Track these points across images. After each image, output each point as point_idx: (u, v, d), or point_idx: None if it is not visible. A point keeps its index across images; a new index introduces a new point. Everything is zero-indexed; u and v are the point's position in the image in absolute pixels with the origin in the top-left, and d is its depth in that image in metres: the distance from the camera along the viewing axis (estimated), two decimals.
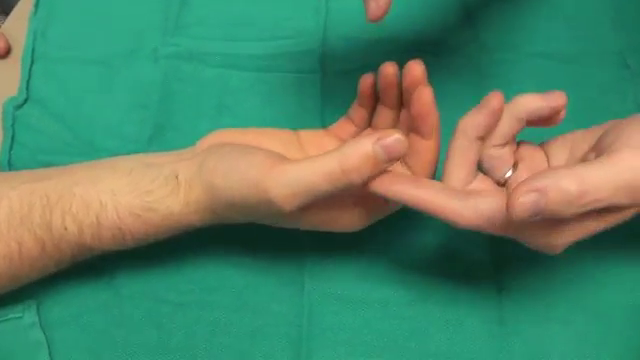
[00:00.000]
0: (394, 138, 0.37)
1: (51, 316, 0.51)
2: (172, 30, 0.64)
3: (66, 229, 0.45)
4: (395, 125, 0.48)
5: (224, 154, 0.43)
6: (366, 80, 0.48)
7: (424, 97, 0.42)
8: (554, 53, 0.61)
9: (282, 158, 0.41)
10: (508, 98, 0.41)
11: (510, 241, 0.50)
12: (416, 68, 0.43)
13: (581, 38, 0.62)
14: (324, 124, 0.57)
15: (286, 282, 0.51)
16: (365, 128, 0.50)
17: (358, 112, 0.50)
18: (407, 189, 0.39)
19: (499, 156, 0.43)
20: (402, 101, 0.47)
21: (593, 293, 0.50)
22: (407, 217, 0.53)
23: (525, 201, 0.34)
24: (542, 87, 0.42)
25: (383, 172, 0.40)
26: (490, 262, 0.51)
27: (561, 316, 0.50)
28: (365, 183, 0.39)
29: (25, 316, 0.51)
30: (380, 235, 0.52)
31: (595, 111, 0.57)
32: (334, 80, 0.60)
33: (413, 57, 0.44)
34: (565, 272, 0.51)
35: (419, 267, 0.52)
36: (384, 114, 0.48)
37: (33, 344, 0.50)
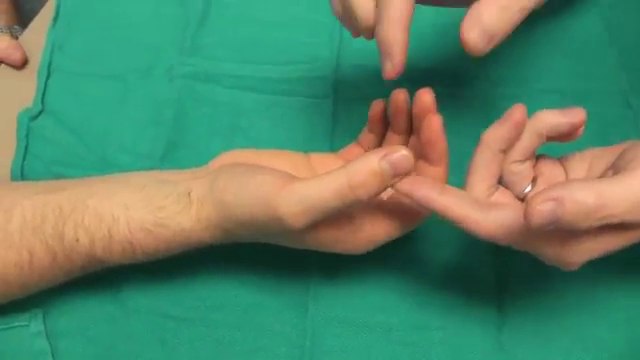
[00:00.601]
0: (400, 154, 0.38)
1: (57, 326, 0.51)
2: (189, 50, 0.65)
3: (77, 241, 0.45)
4: None
5: (236, 173, 0.44)
6: (376, 106, 0.49)
7: (434, 124, 0.42)
8: (560, 89, 0.62)
9: (292, 177, 0.41)
10: None
11: (514, 269, 0.51)
12: (426, 96, 0.43)
13: (585, 76, 0.63)
14: (333, 148, 0.58)
15: (290, 303, 0.52)
16: None
17: (368, 138, 0.51)
18: (433, 194, 0.40)
19: (519, 172, 0.44)
20: (412, 128, 0.48)
21: (591, 323, 0.51)
22: (411, 244, 0.54)
23: (542, 209, 0.35)
24: None
25: (411, 176, 0.40)
26: (494, 291, 0.52)
27: (561, 347, 0.50)
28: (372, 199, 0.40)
29: (31, 325, 0.51)
30: (384, 260, 0.53)
31: None
32: (345, 106, 0.61)
33: (423, 87, 0.44)
34: (565, 299, 0.52)
35: (422, 293, 0.52)
36: (393, 140, 0.49)
37: (38, 353, 0.50)
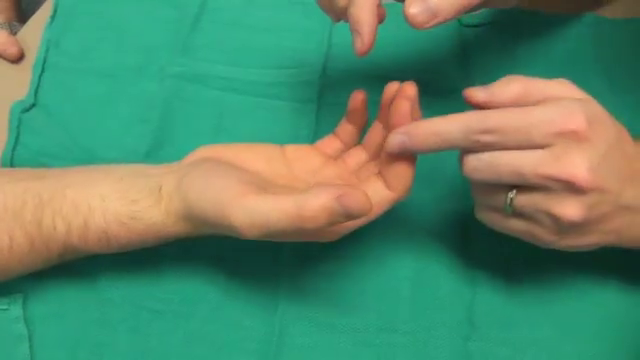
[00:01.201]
0: (356, 199, 0.37)
1: (35, 311, 0.53)
2: (180, 51, 0.66)
3: (55, 229, 0.47)
4: None
5: (203, 171, 0.45)
6: (357, 96, 0.49)
7: (402, 108, 0.43)
8: None
9: (253, 187, 0.41)
10: None
11: (484, 276, 0.52)
12: (410, 88, 0.44)
13: None
14: None
15: (261, 300, 0.53)
16: (352, 145, 0.51)
17: (345, 129, 0.51)
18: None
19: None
20: None
21: (559, 336, 0.51)
22: (380, 247, 0.55)
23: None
24: None
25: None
26: (464, 298, 0.53)
27: (528, 358, 0.51)
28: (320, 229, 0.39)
29: (11, 309, 0.52)
30: (354, 262, 0.54)
31: None
32: (329, 111, 0.62)
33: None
34: (535, 309, 0.52)
35: (390, 297, 0.53)
36: (377, 131, 0.49)
37: (16, 336, 0.51)
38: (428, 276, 0.54)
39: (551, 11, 0.67)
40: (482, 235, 0.54)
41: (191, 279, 0.54)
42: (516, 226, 0.43)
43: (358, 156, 0.50)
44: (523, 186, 0.40)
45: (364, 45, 0.43)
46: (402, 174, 0.44)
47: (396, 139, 0.42)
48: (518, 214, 0.42)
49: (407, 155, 0.43)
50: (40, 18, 0.71)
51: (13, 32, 0.72)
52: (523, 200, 0.41)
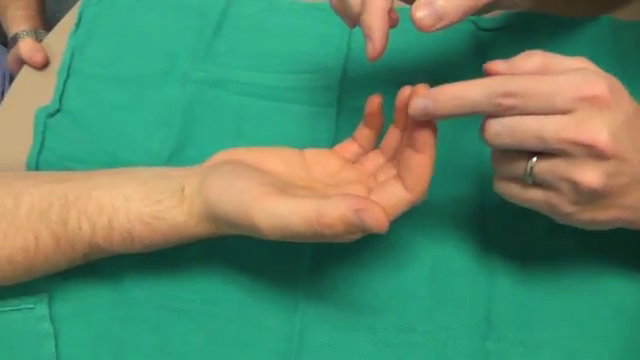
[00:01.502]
0: (374, 215, 0.38)
1: (61, 310, 0.54)
2: (202, 57, 0.67)
3: (80, 229, 0.48)
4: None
5: (224, 173, 0.46)
6: (374, 100, 0.50)
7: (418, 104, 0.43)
8: None
9: (274, 188, 0.42)
10: None
11: (503, 276, 0.52)
12: (423, 90, 0.44)
13: None
14: None
15: (282, 300, 0.53)
16: (370, 149, 0.52)
17: (363, 133, 0.52)
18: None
19: None
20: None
21: (579, 336, 0.52)
22: (399, 247, 0.55)
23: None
24: None
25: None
26: (482, 298, 0.53)
27: (546, 358, 0.51)
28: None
29: (37, 308, 0.54)
30: (373, 262, 0.55)
31: None
32: (348, 115, 0.62)
33: None
34: (554, 310, 0.52)
35: (409, 296, 0.53)
36: (394, 136, 0.50)
37: (42, 335, 0.53)
38: (445, 276, 0.54)
39: (565, 13, 0.67)
40: (499, 235, 0.55)
41: (213, 279, 0.55)
42: (535, 196, 0.43)
43: (376, 160, 0.50)
44: (544, 153, 0.41)
45: (375, 50, 0.44)
46: (420, 176, 0.44)
47: (419, 103, 0.42)
48: (538, 183, 0.42)
49: (429, 121, 0.43)
50: (65, 26, 0.73)
51: (38, 39, 0.74)
52: (544, 167, 0.41)
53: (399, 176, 0.45)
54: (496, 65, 0.43)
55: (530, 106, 0.39)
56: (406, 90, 0.47)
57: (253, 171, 0.46)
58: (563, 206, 0.42)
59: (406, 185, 0.45)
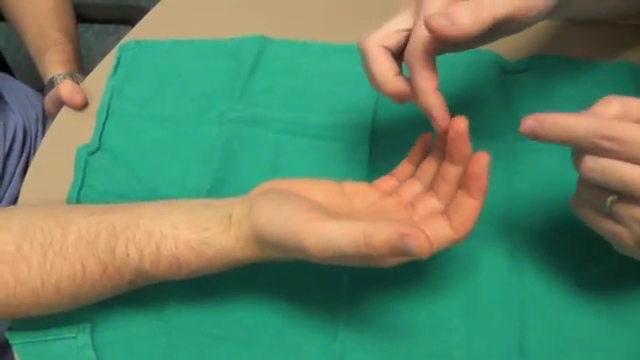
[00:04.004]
0: (418, 241, 0.39)
1: (103, 339, 0.55)
2: (238, 97, 0.70)
3: (128, 255, 0.49)
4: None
5: (271, 198, 0.48)
6: (427, 137, 0.52)
7: (482, 160, 0.45)
8: None
9: (322, 213, 0.44)
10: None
11: (536, 300, 0.53)
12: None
13: None
14: None
15: (321, 326, 0.55)
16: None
17: (405, 168, 0.53)
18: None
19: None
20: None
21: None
22: (434, 274, 0.57)
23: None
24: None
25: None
26: (516, 323, 0.54)
27: None
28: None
29: (79, 337, 0.55)
30: (410, 290, 0.56)
31: None
32: (380, 152, 0.64)
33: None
34: (589, 331, 0.53)
35: (444, 324, 0.55)
36: (431, 165, 0.51)
37: None
38: (480, 305, 0.55)
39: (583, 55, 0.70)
40: (533, 265, 0.56)
41: (253, 306, 0.56)
42: (606, 225, 0.45)
43: (412, 187, 0.51)
44: (626, 195, 0.43)
45: (441, 127, 0.48)
46: (468, 218, 0.46)
47: (528, 123, 0.44)
48: (612, 216, 0.45)
49: (485, 170, 0.45)
50: (102, 70, 0.76)
51: (75, 82, 0.76)
52: (622, 206, 0.43)
53: (447, 214, 0.47)
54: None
55: (625, 152, 0.41)
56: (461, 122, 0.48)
57: (298, 197, 0.47)
58: (628, 241, 0.44)
59: (452, 224, 0.46)
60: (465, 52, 0.69)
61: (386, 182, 0.54)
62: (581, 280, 0.55)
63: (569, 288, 0.55)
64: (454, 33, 0.44)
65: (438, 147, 0.50)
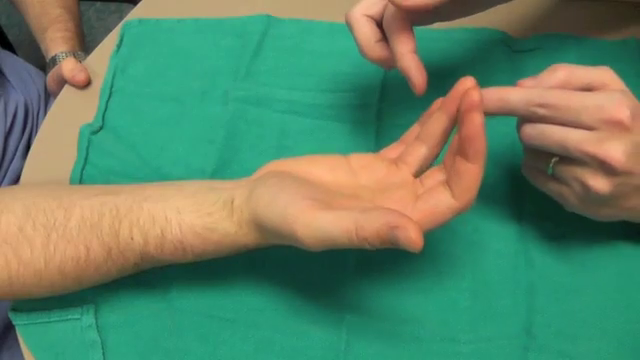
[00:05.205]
0: (407, 235, 0.38)
1: (107, 320, 0.55)
2: (243, 76, 0.69)
3: (132, 239, 0.49)
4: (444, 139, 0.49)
5: (269, 186, 0.47)
6: (439, 102, 0.50)
7: (476, 120, 0.43)
8: None
9: (316, 202, 0.43)
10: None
11: (543, 288, 0.53)
12: (475, 93, 0.43)
13: None
14: None
15: (328, 309, 0.54)
16: None
17: (414, 132, 0.51)
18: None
19: None
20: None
21: (619, 349, 0.52)
22: (441, 260, 0.56)
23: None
24: None
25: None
26: (523, 309, 0.54)
27: (587, 348, 0.52)
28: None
29: (83, 318, 0.55)
30: (417, 275, 0.56)
31: None
32: (387, 132, 0.64)
33: None
34: (595, 323, 0.53)
35: (451, 306, 0.54)
36: (437, 122, 0.49)
37: (89, 344, 0.54)
38: (487, 288, 0.55)
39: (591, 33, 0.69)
40: (540, 248, 0.56)
41: (260, 289, 0.56)
42: (552, 187, 0.51)
43: (417, 151, 0.50)
44: (565, 156, 0.47)
45: (418, 87, 0.51)
46: (469, 185, 0.44)
47: (477, 98, 0.44)
48: (556, 177, 0.50)
49: (482, 130, 0.43)
50: (104, 48, 0.75)
51: (78, 60, 0.76)
52: (563, 167, 0.48)
53: (448, 184, 0.45)
54: (525, 82, 0.50)
55: (559, 117, 0.46)
56: (466, 83, 0.46)
57: (298, 183, 0.46)
58: (572, 199, 0.49)
59: (455, 193, 0.45)
60: (474, 31, 0.69)
61: (394, 150, 0.52)
62: (589, 262, 0.55)
63: (577, 270, 0.55)
64: (410, 3, 0.47)
65: (445, 107, 0.48)
